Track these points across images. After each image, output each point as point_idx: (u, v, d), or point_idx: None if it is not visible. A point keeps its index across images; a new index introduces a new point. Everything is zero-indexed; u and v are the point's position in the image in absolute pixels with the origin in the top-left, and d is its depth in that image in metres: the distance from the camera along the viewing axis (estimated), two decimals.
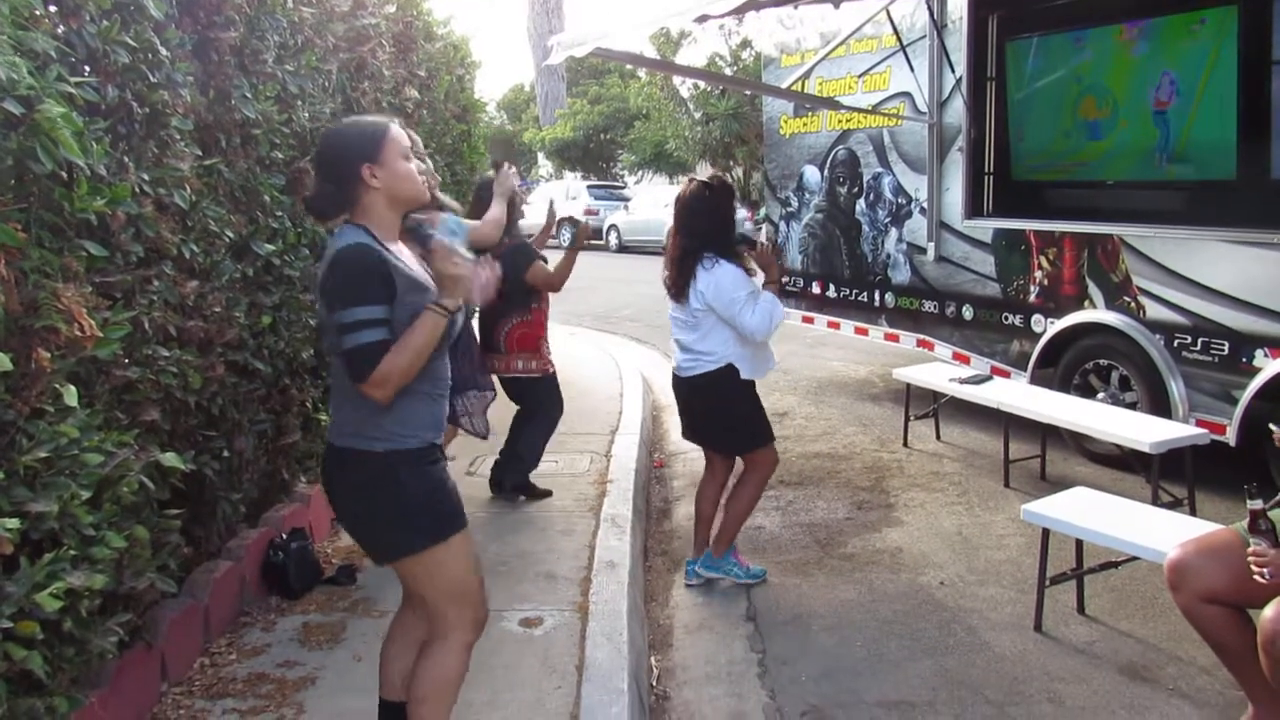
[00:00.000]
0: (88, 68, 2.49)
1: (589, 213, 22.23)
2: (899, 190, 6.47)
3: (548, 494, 4.67)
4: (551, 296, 4.63)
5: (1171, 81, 5.08)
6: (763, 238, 4.47)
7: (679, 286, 3.66)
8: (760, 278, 3.74)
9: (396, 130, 2.18)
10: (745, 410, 3.76)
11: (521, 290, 4.38)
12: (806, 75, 6.86)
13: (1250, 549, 2.36)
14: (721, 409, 3.75)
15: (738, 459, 3.93)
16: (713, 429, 3.84)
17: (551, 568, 3.80)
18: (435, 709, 2.23)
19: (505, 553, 3.95)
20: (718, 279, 3.57)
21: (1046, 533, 3.43)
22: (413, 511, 2.15)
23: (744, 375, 3.67)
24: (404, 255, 2.20)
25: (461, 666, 2.25)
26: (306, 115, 3.83)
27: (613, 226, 21.20)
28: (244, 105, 3.29)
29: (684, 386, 3.80)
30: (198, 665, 3.00)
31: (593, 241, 21.82)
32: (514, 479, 4.66)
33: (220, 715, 2.73)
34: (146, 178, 2.67)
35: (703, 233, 3.64)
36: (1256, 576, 2.33)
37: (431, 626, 2.26)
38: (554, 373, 4.67)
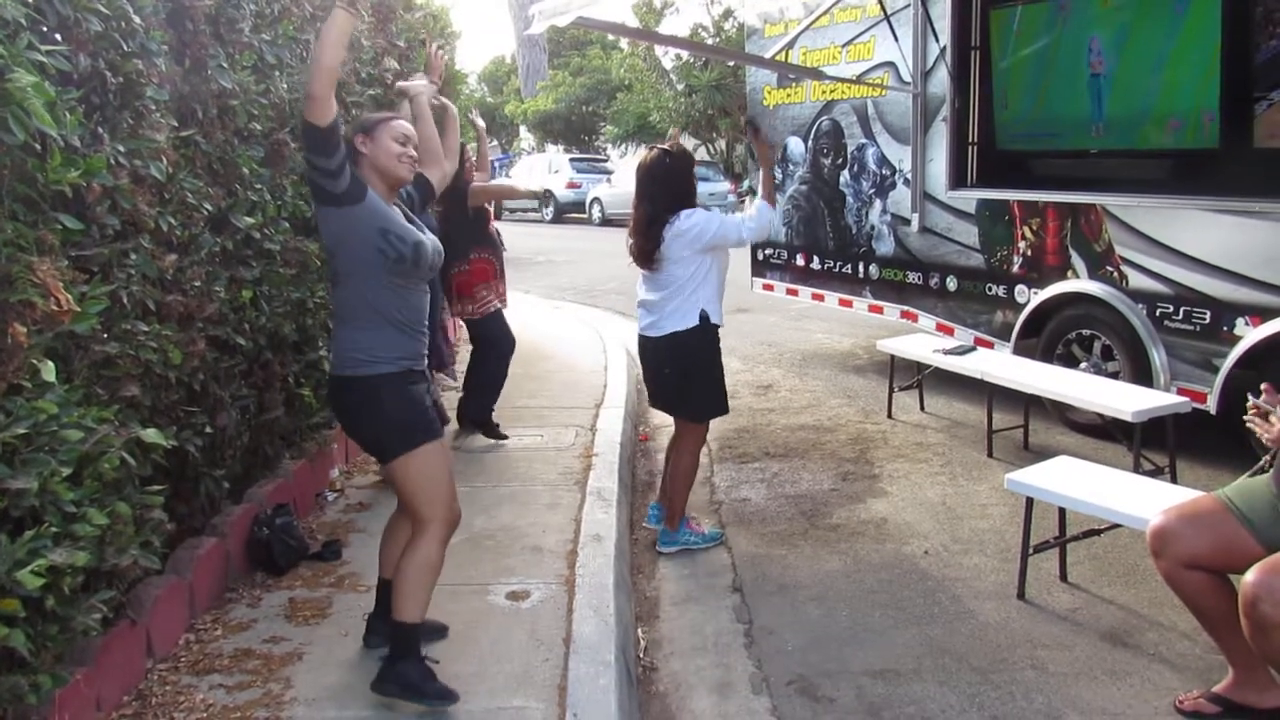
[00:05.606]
0: (59, 36, 2.43)
1: (571, 186, 22.13)
2: (883, 161, 6.45)
3: (504, 438, 5.11)
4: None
5: (1155, 50, 5.07)
6: (747, 208, 4.49)
7: (647, 253, 3.72)
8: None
9: (400, 121, 2.69)
10: (714, 374, 3.84)
11: (463, 240, 4.84)
12: (790, 45, 6.80)
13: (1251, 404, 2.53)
14: (694, 371, 3.79)
15: None
16: (680, 391, 3.86)
17: (538, 541, 3.81)
18: (415, 587, 2.63)
19: (491, 526, 3.95)
20: (682, 227, 3.65)
21: (1030, 501, 3.46)
22: (393, 424, 2.62)
23: (714, 319, 3.75)
24: (395, 213, 2.62)
25: (437, 555, 2.67)
26: (285, 86, 3.77)
27: (595, 199, 21.09)
28: (220, 75, 3.23)
29: (656, 348, 3.81)
30: (183, 642, 2.99)
31: (575, 215, 21.71)
32: (474, 414, 5.10)
33: (207, 691, 2.72)
34: (122, 149, 2.62)
35: (665, 198, 3.70)
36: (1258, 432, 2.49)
37: (414, 525, 2.70)
38: (495, 312, 5.06)
